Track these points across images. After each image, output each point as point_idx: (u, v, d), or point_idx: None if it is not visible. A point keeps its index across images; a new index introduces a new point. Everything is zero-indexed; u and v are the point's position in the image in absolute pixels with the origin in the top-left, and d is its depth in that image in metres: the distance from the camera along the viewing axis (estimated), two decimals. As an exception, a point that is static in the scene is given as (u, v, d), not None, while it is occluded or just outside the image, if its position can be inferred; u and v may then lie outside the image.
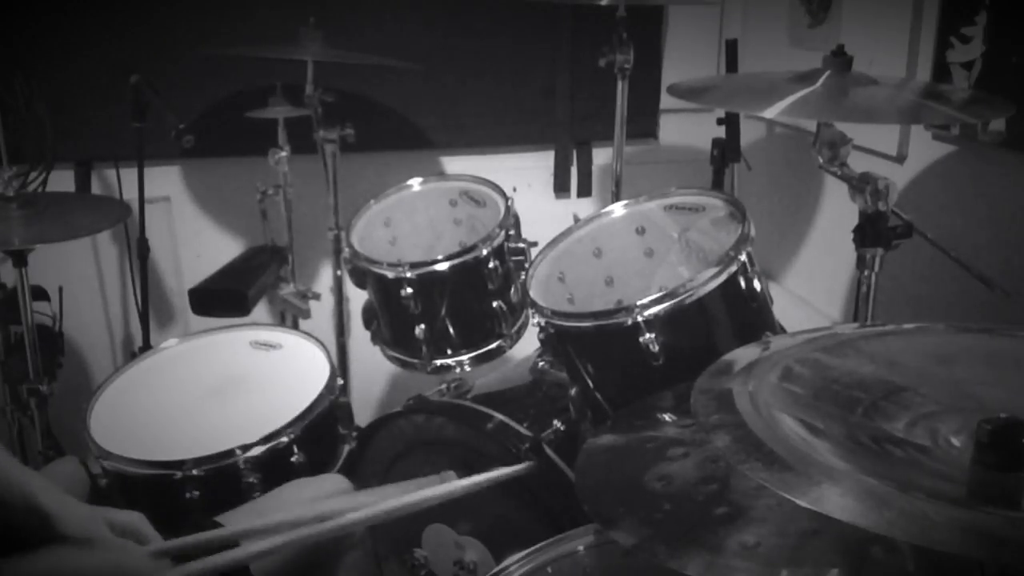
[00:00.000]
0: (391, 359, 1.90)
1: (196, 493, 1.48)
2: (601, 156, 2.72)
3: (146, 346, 2.22)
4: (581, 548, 1.21)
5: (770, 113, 1.43)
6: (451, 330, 1.80)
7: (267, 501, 1.44)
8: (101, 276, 2.52)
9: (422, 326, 1.78)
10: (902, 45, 1.93)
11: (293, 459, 1.56)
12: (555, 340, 1.50)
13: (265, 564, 1.23)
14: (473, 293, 1.77)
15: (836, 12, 2.19)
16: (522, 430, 1.66)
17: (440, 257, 1.74)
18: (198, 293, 2.05)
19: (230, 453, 1.50)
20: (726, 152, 2.06)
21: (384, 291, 1.80)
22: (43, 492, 1.10)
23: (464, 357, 1.82)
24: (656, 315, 1.36)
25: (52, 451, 2.00)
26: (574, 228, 1.69)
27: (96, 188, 2.42)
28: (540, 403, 1.78)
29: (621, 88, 2.08)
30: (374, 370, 2.40)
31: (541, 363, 1.89)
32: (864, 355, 1.00)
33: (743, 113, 2.10)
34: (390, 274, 1.76)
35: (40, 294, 2.14)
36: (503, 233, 1.77)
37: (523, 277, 1.66)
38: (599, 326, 1.41)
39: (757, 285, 1.42)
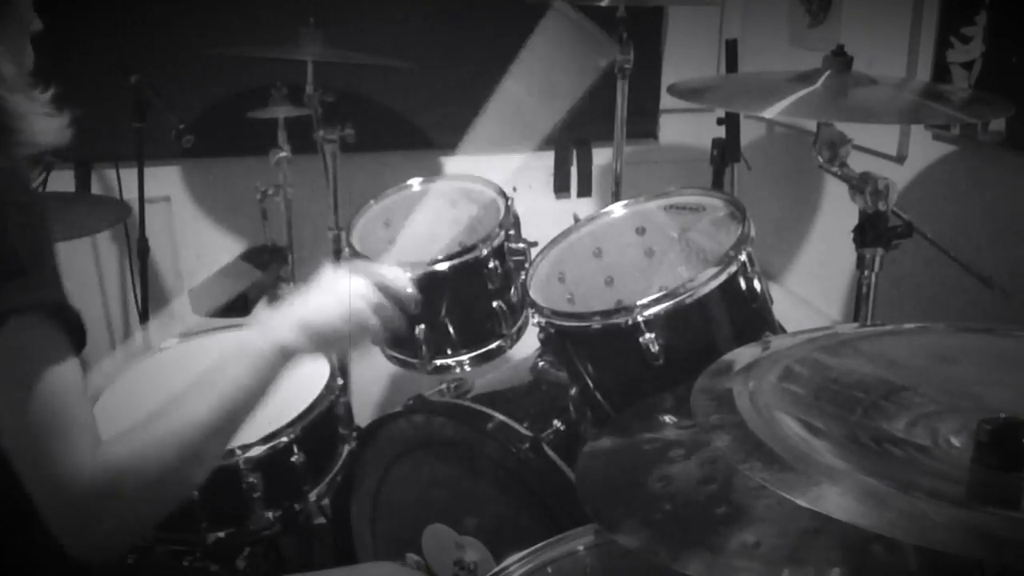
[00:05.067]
0: (391, 359, 1.90)
1: (195, 493, 1.48)
2: (601, 156, 2.72)
3: (146, 346, 2.22)
4: (581, 548, 1.21)
5: (770, 113, 1.43)
6: (451, 330, 1.80)
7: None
8: (101, 276, 2.52)
9: (422, 326, 1.78)
10: (902, 45, 1.93)
11: (293, 459, 1.56)
12: (555, 340, 1.50)
13: None
14: (473, 293, 1.77)
15: (836, 12, 2.19)
16: (522, 430, 1.66)
17: (440, 257, 1.74)
18: (198, 293, 2.05)
19: (230, 453, 1.50)
20: (726, 152, 2.06)
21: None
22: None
23: (464, 357, 1.82)
24: (656, 315, 1.36)
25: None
26: (574, 228, 1.69)
27: (96, 188, 2.41)
28: (540, 403, 1.78)
29: (621, 88, 2.08)
30: (374, 370, 2.40)
31: (541, 363, 1.89)
32: (864, 355, 1.01)
33: (743, 113, 2.10)
34: (390, 274, 1.76)
35: (40, 294, 2.13)
36: (503, 233, 1.77)
37: (523, 277, 1.66)
38: (599, 326, 1.41)
39: (757, 285, 1.42)
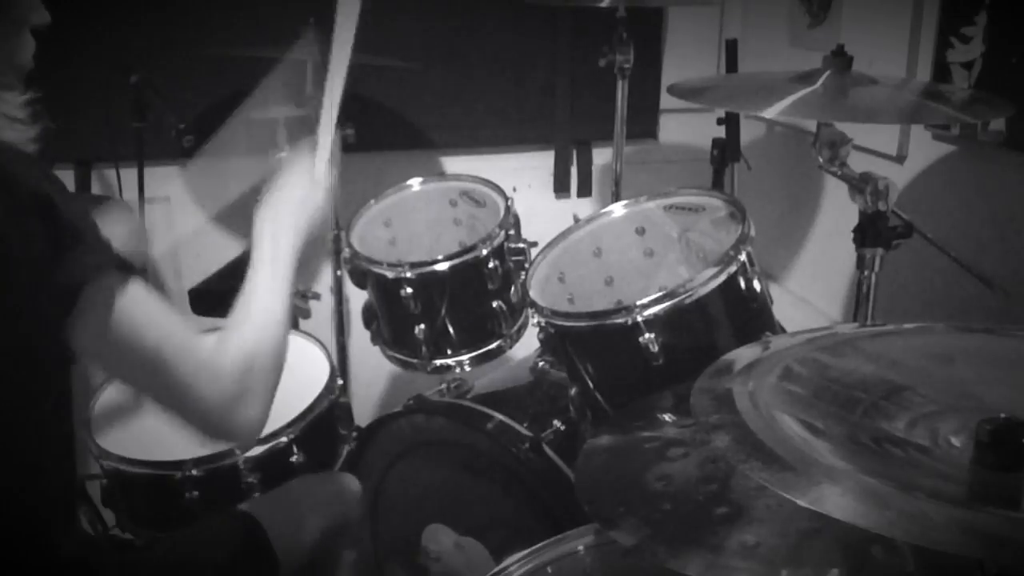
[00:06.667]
0: (391, 359, 1.90)
1: (196, 493, 1.49)
2: (601, 156, 2.72)
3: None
4: (581, 548, 1.21)
5: (770, 113, 1.43)
6: (451, 330, 1.80)
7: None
8: (101, 276, 2.51)
9: (422, 326, 1.78)
10: (902, 45, 1.93)
11: (293, 459, 1.56)
12: (555, 340, 1.50)
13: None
14: (473, 293, 1.77)
15: (836, 12, 2.19)
16: (522, 430, 1.66)
17: (440, 257, 1.74)
18: (198, 293, 2.05)
19: (230, 453, 1.50)
20: (726, 152, 2.06)
21: (384, 291, 1.80)
22: None
23: (464, 357, 1.82)
24: (656, 315, 1.36)
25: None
26: (574, 228, 1.69)
27: (96, 188, 2.41)
28: (540, 403, 1.78)
29: (621, 88, 2.08)
30: (374, 370, 2.40)
31: (541, 363, 1.89)
32: (864, 355, 1.01)
33: (743, 113, 2.10)
34: (390, 274, 1.76)
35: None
36: (503, 233, 1.77)
37: (523, 277, 1.66)
38: (599, 326, 1.41)
39: (757, 285, 1.42)
